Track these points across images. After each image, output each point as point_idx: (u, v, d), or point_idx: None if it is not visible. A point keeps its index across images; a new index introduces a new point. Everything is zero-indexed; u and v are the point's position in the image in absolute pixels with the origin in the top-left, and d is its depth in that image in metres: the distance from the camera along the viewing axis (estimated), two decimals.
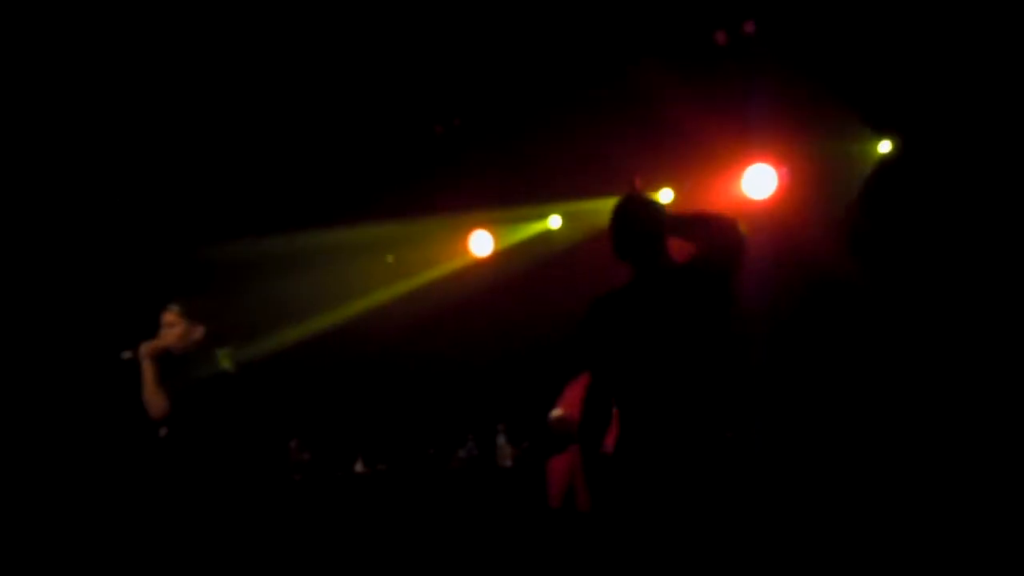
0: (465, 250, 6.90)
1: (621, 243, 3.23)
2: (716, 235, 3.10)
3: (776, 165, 5.67)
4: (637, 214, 3.23)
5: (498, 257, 6.88)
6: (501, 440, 5.64)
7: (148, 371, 3.78)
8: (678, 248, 3.24)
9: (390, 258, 7.29)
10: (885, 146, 5.48)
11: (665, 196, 6.08)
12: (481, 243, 6.87)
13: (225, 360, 3.87)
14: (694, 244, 3.15)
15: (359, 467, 6.15)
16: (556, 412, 4.59)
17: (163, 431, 3.80)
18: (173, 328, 3.82)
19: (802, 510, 4.19)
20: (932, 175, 5.09)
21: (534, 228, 6.82)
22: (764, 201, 5.64)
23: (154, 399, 3.77)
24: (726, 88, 5.55)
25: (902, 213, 5.18)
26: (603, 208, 5.36)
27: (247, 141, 5.99)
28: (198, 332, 3.85)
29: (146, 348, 3.79)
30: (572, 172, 6.17)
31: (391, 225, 6.77)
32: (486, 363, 6.55)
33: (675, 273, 3.13)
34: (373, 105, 5.78)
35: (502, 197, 6.61)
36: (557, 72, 5.67)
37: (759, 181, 5.66)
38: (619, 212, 3.26)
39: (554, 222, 6.68)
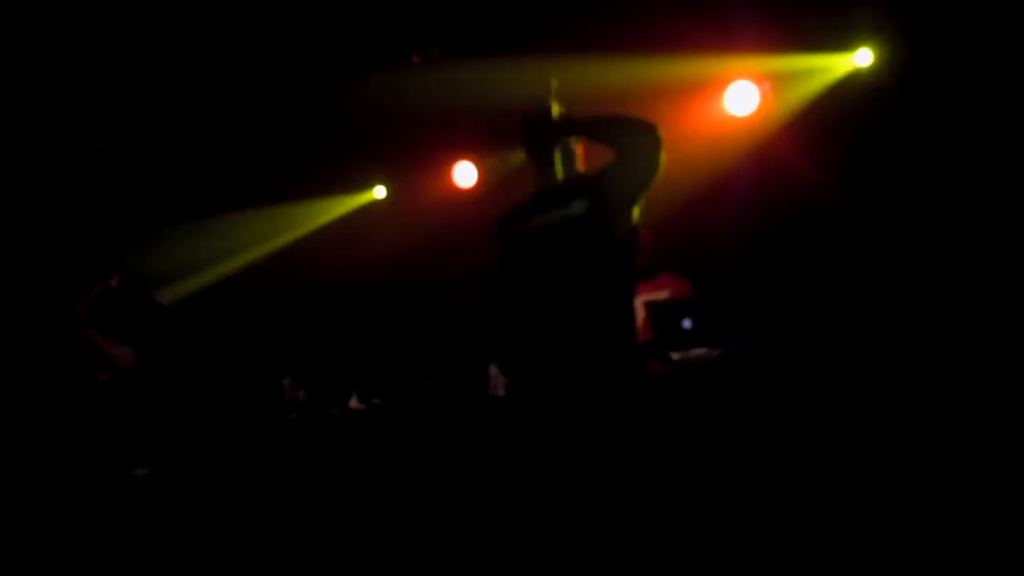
0: (451, 182, 6.87)
1: (528, 153, 3.19)
2: (630, 139, 2.94)
3: (758, 82, 5.62)
4: (534, 122, 3.15)
5: (484, 187, 6.84)
6: (494, 370, 5.66)
7: (92, 333, 3.90)
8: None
9: (378, 193, 7.27)
10: (864, 57, 5.41)
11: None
12: (466, 174, 6.84)
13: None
14: (609, 148, 3.00)
15: (354, 403, 6.17)
16: None
17: (102, 376, 3.90)
18: (88, 287, 3.97)
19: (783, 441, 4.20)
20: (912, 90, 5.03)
21: (518, 157, 6.77)
22: (746, 118, 5.61)
23: (115, 351, 3.86)
24: (707, 4, 5.46)
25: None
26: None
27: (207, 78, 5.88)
28: (113, 281, 4.03)
29: (76, 316, 3.92)
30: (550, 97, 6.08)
31: (374, 159, 6.77)
32: (477, 293, 6.55)
33: (575, 187, 3.04)
34: (346, 36, 5.67)
35: (483, 126, 6.56)
36: None
37: (741, 98, 5.62)
38: (523, 121, 3.19)
39: None
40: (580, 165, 3.18)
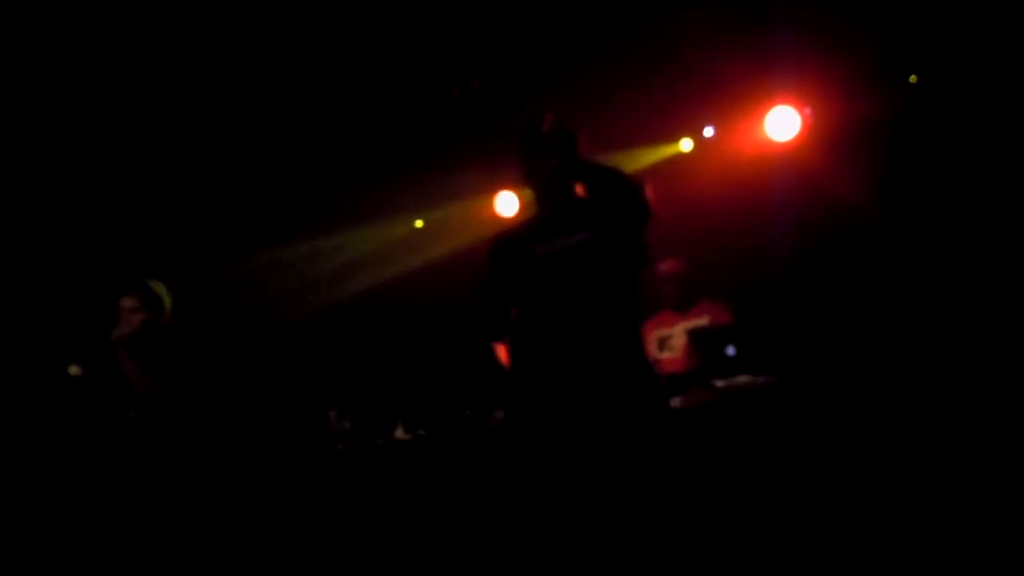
0: (492, 211, 6.90)
1: (532, 171, 3.07)
2: (618, 194, 2.95)
3: (799, 107, 5.60)
4: (552, 139, 3.04)
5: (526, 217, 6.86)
6: None
7: (124, 357, 3.89)
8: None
9: (419, 223, 7.34)
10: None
11: (685, 145, 6.05)
12: (507, 204, 6.87)
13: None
14: (591, 195, 3.01)
15: (400, 433, 6.18)
16: None
17: (132, 413, 3.91)
18: (136, 313, 3.92)
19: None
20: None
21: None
22: (788, 143, 5.58)
23: (142, 382, 3.86)
24: (747, 27, 5.45)
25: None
26: (626, 160, 5.32)
27: (251, 105, 5.96)
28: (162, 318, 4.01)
29: (115, 336, 3.90)
30: (594, 125, 6.10)
31: (415, 191, 6.83)
32: None
33: (577, 217, 2.98)
34: (385, 72, 5.75)
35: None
36: (573, 21, 5.60)
37: (782, 123, 5.59)
38: (532, 136, 3.08)
39: None
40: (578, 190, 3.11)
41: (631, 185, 2.97)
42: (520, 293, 3.09)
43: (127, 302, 3.97)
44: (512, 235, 3.20)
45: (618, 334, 2.92)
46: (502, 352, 3.23)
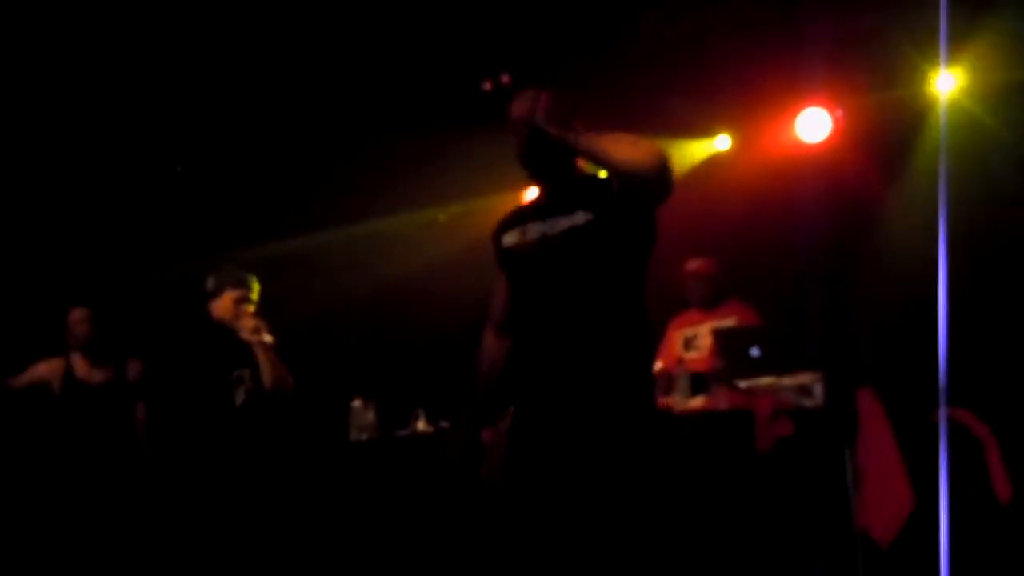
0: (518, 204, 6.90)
1: (529, 153, 2.69)
2: (629, 163, 2.49)
3: (830, 108, 5.58)
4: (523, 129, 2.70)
5: None
6: None
7: (265, 352, 3.69)
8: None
9: (442, 216, 7.35)
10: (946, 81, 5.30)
11: (722, 143, 6.04)
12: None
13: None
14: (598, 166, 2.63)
15: (421, 425, 6.20)
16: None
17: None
18: (241, 304, 3.73)
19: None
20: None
21: None
22: (818, 145, 5.56)
23: (287, 376, 3.71)
24: (778, 29, 5.44)
25: None
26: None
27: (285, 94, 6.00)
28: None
29: (261, 331, 3.68)
30: (624, 123, 6.09)
31: (440, 184, 6.85)
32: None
33: (579, 195, 2.64)
34: (416, 65, 5.77)
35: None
36: (603, 20, 5.60)
37: (813, 125, 5.58)
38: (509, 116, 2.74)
39: None
40: (583, 165, 2.78)
41: (647, 151, 2.50)
42: (511, 281, 2.76)
43: (236, 294, 3.74)
44: (512, 216, 2.85)
45: (609, 336, 2.57)
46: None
